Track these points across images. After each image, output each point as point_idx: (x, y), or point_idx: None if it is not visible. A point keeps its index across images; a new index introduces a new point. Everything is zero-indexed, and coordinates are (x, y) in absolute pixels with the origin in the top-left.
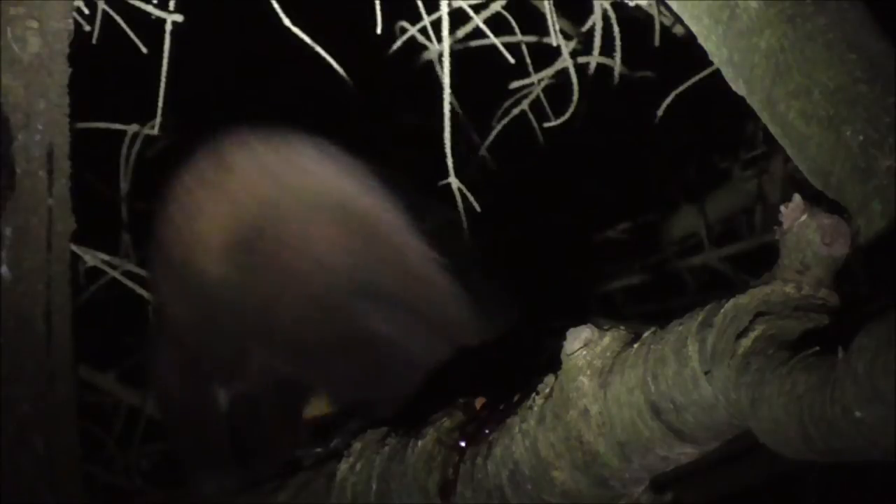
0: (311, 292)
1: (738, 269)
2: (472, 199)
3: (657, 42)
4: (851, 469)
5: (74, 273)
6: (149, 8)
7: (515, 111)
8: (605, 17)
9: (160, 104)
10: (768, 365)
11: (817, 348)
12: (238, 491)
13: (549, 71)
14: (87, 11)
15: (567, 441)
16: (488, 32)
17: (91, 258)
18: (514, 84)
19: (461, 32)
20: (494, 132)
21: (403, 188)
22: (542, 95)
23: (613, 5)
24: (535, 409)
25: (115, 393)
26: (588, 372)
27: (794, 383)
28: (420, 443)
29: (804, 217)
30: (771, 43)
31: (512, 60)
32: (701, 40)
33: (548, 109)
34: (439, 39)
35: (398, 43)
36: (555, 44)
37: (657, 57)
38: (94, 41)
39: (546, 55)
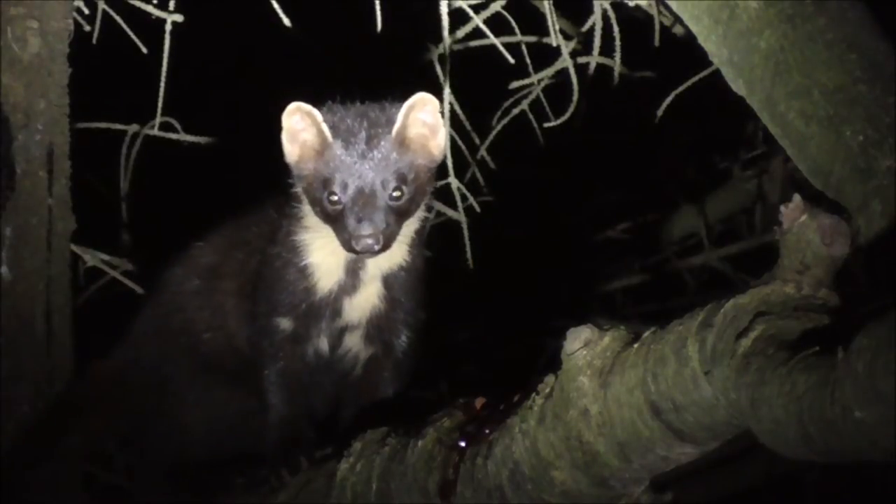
0: None
1: (738, 269)
2: (471, 199)
3: (657, 42)
4: (851, 469)
5: (74, 273)
6: (149, 8)
7: (515, 111)
8: (605, 17)
9: (160, 104)
10: (768, 365)
11: (817, 348)
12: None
13: (549, 71)
14: (87, 11)
15: (567, 441)
16: (488, 32)
17: (91, 258)
18: (514, 84)
19: (461, 32)
20: (494, 132)
21: None
22: (541, 95)
23: (613, 5)
24: (535, 409)
25: None
26: (588, 372)
27: (794, 383)
28: (420, 443)
29: (804, 217)
30: (771, 43)
31: (512, 60)
32: (701, 40)
33: (548, 109)
34: (439, 39)
35: (398, 43)
36: (555, 44)
37: (657, 57)
38: (94, 41)
39: (546, 55)
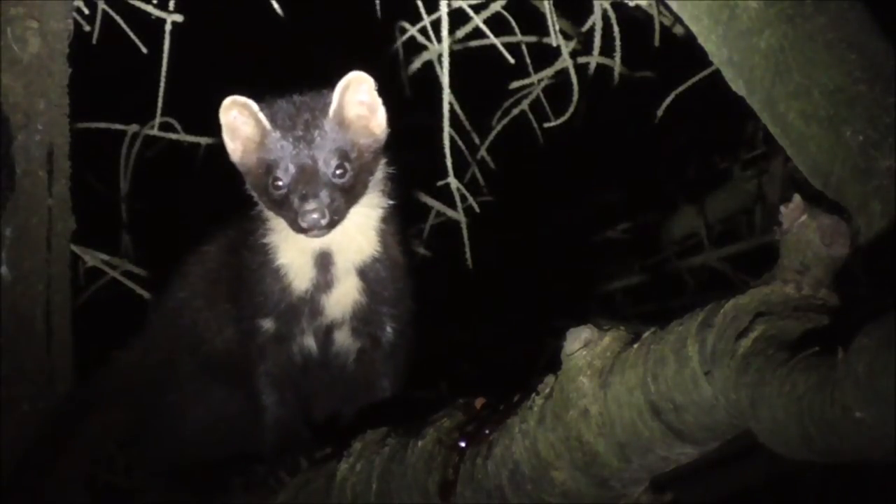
0: None
1: (738, 269)
2: (471, 199)
3: (657, 42)
4: (851, 469)
5: (74, 273)
6: (149, 8)
7: (515, 111)
8: (605, 17)
9: (160, 104)
10: (768, 365)
11: (817, 348)
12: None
13: (549, 71)
14: (87, 11)
15: (567, 441)
16: (488, 32)
17: (91, 258)
18: (514, 84)
19: (461, 32)
20: (494, 132)
21: None
22: (541, 95)
23: (613, 5)
24: (535, 409)
25: None
26: (588, 372)
27: (794, 384)
28: (420, 443)
29: (804, 217)
30: (771, 43)
31: (512, 60)
32: (701, 40)
33: (548, 109)
34: (439, 39)
35: (398, 43)
36: (555, 44)
37: (657, 57)
38: (94, 41)
39: (546, 55)
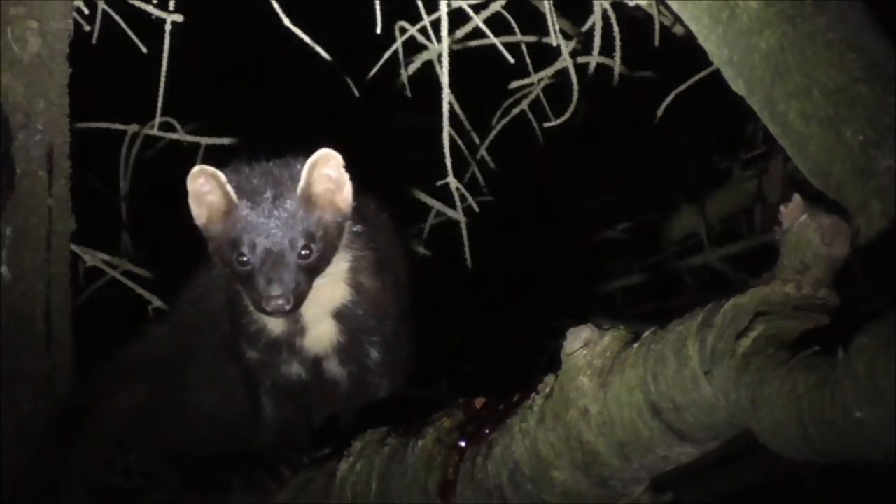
0: None
1: (738, 269)
2: (470, 199)
3: (657, 42)
4: (851, 469)
5: (74, 273)
6: (149, 8)
7: (515, 111)
8: (605, 17)
9: (160, 104)
10: (768, 365)
11: (817, 348)
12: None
13: (549, 71)
14: (87, 11)
15: (567, 441)
16: (488, 32)
17: (91, 258)
18: (514, 84)
19: (461, 32)
20: (494, 132)
21: None
22: (541, 95)
23: (613, 5)
24: (535, 409)
25: None
26: (588, 372)
27: (794, 383)
28: (420, 443)
29: (804, 217)
30: (771, 43)
31: (512, 60)
32: (701, 40)
33: (548, 110)
34: (439, 39)
35: (398, 43)
36: (555, 44)
37: (657, 57)
38: (94, 41)
39: (546, 55)
